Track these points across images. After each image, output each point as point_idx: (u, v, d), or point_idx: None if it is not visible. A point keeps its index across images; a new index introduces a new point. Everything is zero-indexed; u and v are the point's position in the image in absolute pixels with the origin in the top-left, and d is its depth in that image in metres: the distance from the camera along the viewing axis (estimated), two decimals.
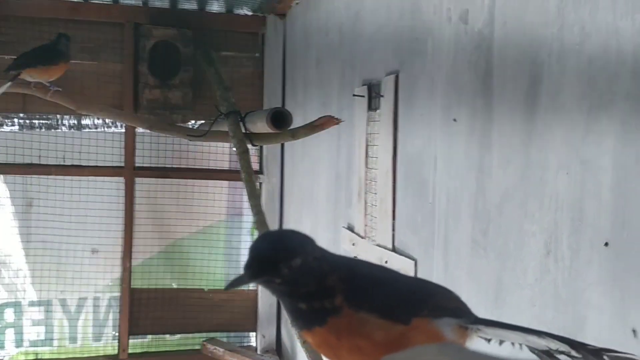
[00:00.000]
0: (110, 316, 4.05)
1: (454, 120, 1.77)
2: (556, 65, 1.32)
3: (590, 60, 1.22)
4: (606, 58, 1.17)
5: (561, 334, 1.30)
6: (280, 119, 1.63)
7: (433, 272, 1.89)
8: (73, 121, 4.02)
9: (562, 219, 1.31)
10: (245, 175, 1.66)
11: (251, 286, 4.29)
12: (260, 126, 1.68)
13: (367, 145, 2.46)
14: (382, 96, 2.26)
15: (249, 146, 1.76)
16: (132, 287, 4.04)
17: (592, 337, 1.21)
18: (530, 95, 1.42)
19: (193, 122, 4.05)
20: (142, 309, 4.09)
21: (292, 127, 1.99)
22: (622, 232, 1.14)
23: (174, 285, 4.17)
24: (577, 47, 1.25)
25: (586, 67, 1.23)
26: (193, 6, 4.03)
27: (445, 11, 1.82)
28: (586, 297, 1.24)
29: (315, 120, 1.63)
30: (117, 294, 4.03)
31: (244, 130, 1.75)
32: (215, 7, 4.07)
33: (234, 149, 4.10)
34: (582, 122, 1.24)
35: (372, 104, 2.42)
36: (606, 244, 1.18)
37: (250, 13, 4.15)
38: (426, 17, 1.95)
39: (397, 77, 2.15)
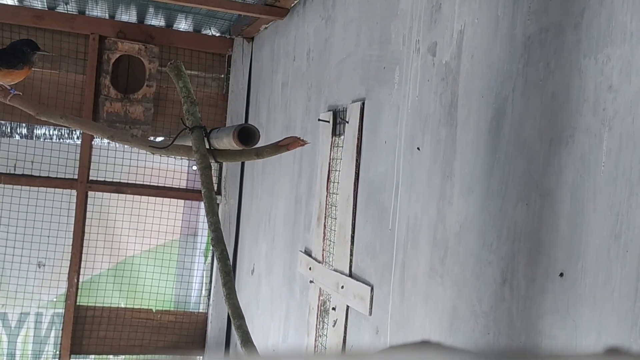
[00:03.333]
0: (52, 333, 3.91)
1: (418, 149, 1.80)
2: (520, 100, 1.37)
3: (553, 96, 1.26)
4: (568, 94, 1.22)
5: None
6: (247, 135, 1.62)
7: (389, 299, 1.90)
8: (27, 130, 3.92)
9: (520, 249, 1.34)
10: (206, 191, 1.64)
11: (201, 308, 4.21)
12: (226, 142, 1.66)
13: (329, 170, 2.47)
14: (347, 122, 2.28)
15: (212, 163, 1.74)
16: (77, 303, 3.91)
17: None
18: (494, 127, 1.46)
19: (152, 137, 4.00)
20: (86, 327, 3.96)
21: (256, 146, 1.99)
22: (577, 264, 1.17)
23: (122, 304, 4.06)
24: (541, 82, 1.30)
25: (549, 102, 1.27)
26: (161, 23, 4.02)
27: (414, 42, 1.86)
28: (540, 326, 1.26)
29: (280, 140, 1.63)
30: (61, 310, 3.89)
31: (207, 146, 1.73)
32: (183, 26, 4.07)
33: (194, 167, 4.08)
34: (543, 155, 1.28)
35: (337, 130, 2.44)
36: (561, 275, 1.21)
37: (218, 34, 4.16)
38: (395, 47, 1.99)
39: (363, 104, 2.18)
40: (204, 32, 4.14)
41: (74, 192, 3.90)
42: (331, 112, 2.49)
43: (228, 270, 1.59)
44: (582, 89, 1.18)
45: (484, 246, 1.46)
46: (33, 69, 2.20)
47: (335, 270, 2.30)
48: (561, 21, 1.26)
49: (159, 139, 4.01)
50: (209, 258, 4.25)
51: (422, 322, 1.71)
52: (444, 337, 1.60)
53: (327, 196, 2.48)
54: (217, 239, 1.65)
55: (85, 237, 3.93)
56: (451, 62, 1.66)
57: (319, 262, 2.49)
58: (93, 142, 3.95)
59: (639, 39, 1.06)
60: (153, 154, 2.05)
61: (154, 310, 4.11)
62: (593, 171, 1.14)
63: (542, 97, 1.29)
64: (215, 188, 4.18)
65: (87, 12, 3.87)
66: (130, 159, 4.03)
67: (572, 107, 1.21)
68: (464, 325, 1.52)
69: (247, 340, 1.50)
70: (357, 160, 2.19)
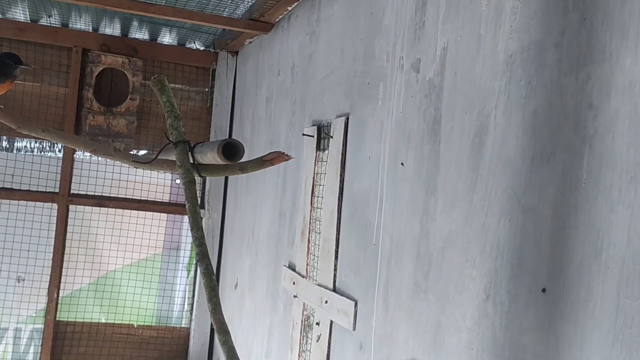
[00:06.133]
0: (31, 349, 3.84)
1: (402, 164, 1.81)
2: (502, 117, 1.38)
3: (534, 113, 1.28)
4: (550, 112, 1.24)
5: None
6: (232, 150, 1.62)
7: (373, 314, 1.90)
8: (7, 143, 3.88)
9: (502, 265, 1.35)
10: (190, 205, 1.63)
11: (183, 323, 4.17)
12: (211, 157, 1.66)
13: (313, 185, 2.47)
14: (331, 137, 2.29)
15: (196, 177, 1.73)
16: (57, 319, 3.86)
17: None
18: (476, 144, 1.47)
19: (135, 151, 3.98)
20: (66, 343, 3.90)
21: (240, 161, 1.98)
22: (559, 279, 1.19)
23: (103, 320, 4.01)
24: (523, 100, 1.32)
25: (531, 119, 1.29)
26: (145, 36, 4.02)
27: (398, 59, 1.88)
28: (523, 341, 1.27)
29: (265, 155, 1.63)
30: (41, 326, 3.83)
31: (192, 161, 1.73)
32: (167, 39, 4.07)
33: (177, 181, 4.06)
34: (525, 172, 1.30)
35: (321, 145, 2.45)
36: (544, 290, 1.22)
37: (202, 48, 4.16)
38: (379, 63, 2.01)
39: (347, 120, 2.20)
40: (188, 45, 4.14)
41: (55, 205, 3.86)
42: (315, 127, 2.49)
43: (213, 285, 1.58)
44: (563, 107, 1.20)
45: (467, 262, 1.47)
46: (15, 82, 2.19)
47: (319, 285, 2.29)
48: (542, 40, 1.28)
49: (142, 152, 3.99)
50: (192, 272, 4.22)
51: (405, 338, 1.71)
52: (428, 353, 1.60)
53: (311, 211, 2.48)
54: (202, 254, 1.64)
55: (66, 251, 3.89)
56: (434, 78, 1.67)
57: (303, 276, 2.49)
58: (75, 155, 3.91)
59: (618, 59, 1.08)
60: (136, 168, 2.04)
61: (135, 326, 4.07)
62: (574, 188, 1.16)
63: (524, 115, 1.31)
64: (199, 202, 4.16)
65: (70, 25, 3.85)
66: (113, 172, 4.00)
67: (554, 125, 1.22)
68: (447, 340, 1.53)
69: (232, 357, 1.49)
70: (341, 175, 2.20)
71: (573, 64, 1.19)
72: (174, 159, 1.81)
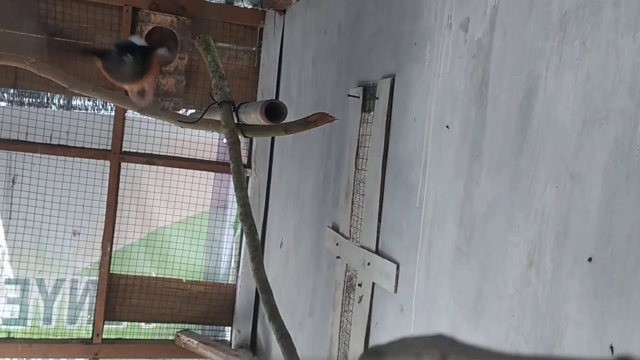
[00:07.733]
0: (87, 300, 4.02)
1: (447, 127, 1.77)
2: (553, 78, 1.33)
3: (588, 76, 1.22)
4: (604, 74, 1.18)
5: (538, 346, 1.31)
6: (274, 111, 1.62)
7: (415, 277, 1.89)
8: (63, 101, 3.98)
9: (547, 232, 1.32)
10: (234, 165, 1.64)
11: (230, 280, 4.28)
12: (254, 117, 1.66)
13: (358, 147, 2.45)
14: (377, 98, 2.26)
15: (240, 137, 1.74)
16: (110, 272, 4.01)
17: (569, 351, 1.22)
18: (525, 107, 1.42)
19: (184, 110, 4.03)
20: (119, 294, 4.06)
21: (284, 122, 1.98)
22: (606, 249, 1.15)
23: (153, 274, 4.14)
24: (576, 61, 1.26)
25: (583, 82, 1.23)
26: None
27: (446, 18, 1.82)
28: (566, 311, 1.24)
29: (309, 116, 1.63)
30: (95, 278, 4.00)
31: (236, 121, 1.74)
32: None
33: (224, 140, 4.10)
34: (575, 137, 1.25)
35: (366, 106, 2.42)
36: (590, 260, 1.19)
37: (250, 6, 4.13)
38: (427, 22, 1.95)
39: (393, 81, 2.15)
40: (236, 4, 4.12)
41: (108, 162, 3.97)
42: (361, 87, 2.46)
43: (256, 244, 1.60)
44: (619, 69, 1.14)
45: (510, 227, 1.44)
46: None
47: (362, 247, 2.30)
48: None
49: (191, 111, 4.04)
50: (238, 230, 4.29)
51: (446, 302, 1.70)
52: (468, 318, 1.59)
53: (355, 172, 2.47)
54: (245, 214, 1.66)
55: (118, 208, 4.01)
56: (483, 38, 1.62)
57: (346, 238, 2.50)
58: (126, 114, 3.99)
59: None
60: (182, 127, 2.06)
61: (184, 281, 4.19)
62: (627, 155, 1.11)
63: (577, 77, 1.25)
64: (246, 161, 4.20)
65: None
66: (162, 131, 4.07)
67: (608, 88, 1.17)
68: (488, 306, 1.51)
69: (274, 315, 1.51)
70: (386, 137, 2.17)
71: (631, 24, 1.12)
72: (219, 119, 1.82)
